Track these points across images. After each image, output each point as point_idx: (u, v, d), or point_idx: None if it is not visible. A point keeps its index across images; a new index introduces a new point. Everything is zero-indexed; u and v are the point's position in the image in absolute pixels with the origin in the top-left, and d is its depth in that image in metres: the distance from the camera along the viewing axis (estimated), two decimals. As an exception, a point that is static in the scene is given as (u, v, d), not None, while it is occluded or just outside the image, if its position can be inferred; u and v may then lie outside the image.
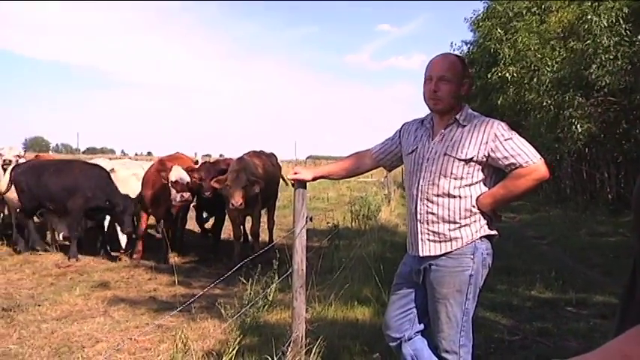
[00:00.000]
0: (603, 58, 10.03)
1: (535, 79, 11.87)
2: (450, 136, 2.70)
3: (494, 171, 2.68)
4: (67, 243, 8.85)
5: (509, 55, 12.32)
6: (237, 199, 7.10)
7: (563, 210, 14.18)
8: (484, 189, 2.66)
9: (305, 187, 3.44)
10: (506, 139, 2.58)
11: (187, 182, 7.68)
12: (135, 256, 8.15)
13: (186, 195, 7.60)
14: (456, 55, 2.85)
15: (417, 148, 2.80)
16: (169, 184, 7.68)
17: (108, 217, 8.70)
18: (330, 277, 5.92)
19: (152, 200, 8.09)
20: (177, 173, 7.72)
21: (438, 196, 2.67)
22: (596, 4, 10.45)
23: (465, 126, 2.68)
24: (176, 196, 7.60)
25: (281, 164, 10.21)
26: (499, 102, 14.07)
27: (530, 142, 2.64)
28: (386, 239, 8.42)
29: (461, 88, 2.73)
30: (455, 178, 2.64)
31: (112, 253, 8.41)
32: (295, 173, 3.34)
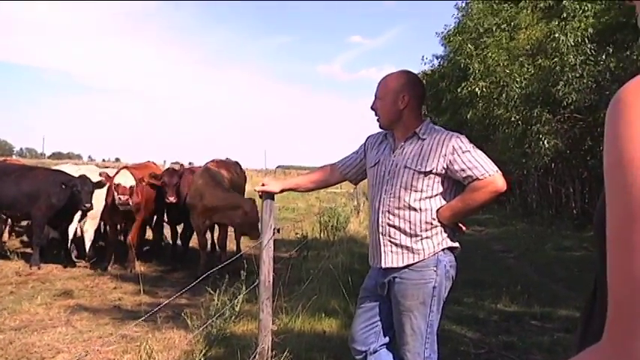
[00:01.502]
0: (570, 76, 10.27)
1: (504, 95, 12.07)
2: (410, 149, 2.73)
3: (454, 183, 2.69)
4: (28, 250, 8.66)
5: (478, 70, 12.51)
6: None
7: (529, 224, 14.40)
8: (444, 202, 2.69)
9: (273, 199, 3.42)
10: (463, 152, 2.61)
11: (131, 186, 7.71)
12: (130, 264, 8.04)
13: (124, 198, 7.56)
14: (400, 72, 2.86)
15: (379, 161, 2.84)
16: (113, 187, 7.70)
17: (72, 225, 8.55)
18: (298, 289, 5.89)
19: (111, 206, 8.00)
20: (121, 177, 7.82)
21: (399, 208, 2.69)
22: (563, 23, 10.69)
23: (424, 139, 2.71)
24: (117, 198, 7.61)
25: (248, 173, 10.17)
26: (468, 116, 14.25)
27: (498, 157, 2.67)
28: (354, 251, 8.42)
29: (397, 103, 2.75)
30: (415, 191, 2.66)
31: (77, 262, 8.28)
32: (263, 185, 3.32)
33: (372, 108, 2.85)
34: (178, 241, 9.20)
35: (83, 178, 7.85)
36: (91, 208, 7.87)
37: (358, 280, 5.34)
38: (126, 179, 7.74)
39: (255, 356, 3.45)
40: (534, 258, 9.57)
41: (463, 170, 2.59)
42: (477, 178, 2.57)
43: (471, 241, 11.23)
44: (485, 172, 2.57)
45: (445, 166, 2.62)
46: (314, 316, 5.10)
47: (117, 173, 8.08)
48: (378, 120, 2.85)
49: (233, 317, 4.89)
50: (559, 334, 5.10)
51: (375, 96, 2.83)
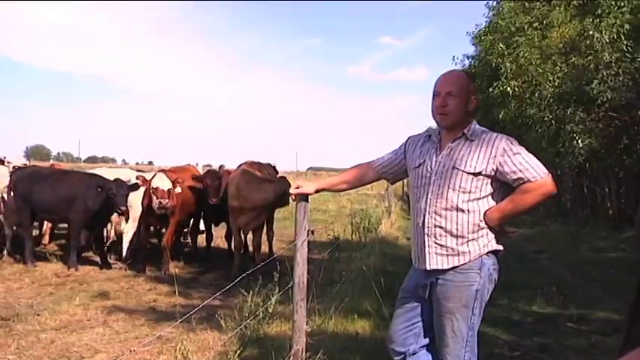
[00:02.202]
0: (604, 74, 10.08)
1: (536, 94, 11.90)
2: (458, 149, 2.72)
3: (502, 185, 2.69)
4: (66, 253, 8.86)
5: (510, 70, 12.35)
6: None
7: (563, 225, 14.14)
8: (492, 203, 2.68)
9: (307, 200, 3.44)
10: (514, 154, 2.61)
11: (169, 190, 7.76)
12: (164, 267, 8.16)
13: (165, 202, 7.64)
14: (464, 71, 2.88)
15: (424, 161, 2.81)
16: (150, 191, 7.77)
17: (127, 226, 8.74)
18: (331, 290, 5.91)
19: (147, 209, 8.15)
20: (159, 180, 7.86)
21: (446, 209, 2.68)
22: (598, 20, 10.51)
23: (472, 140, 2.70)
24: (156, 202, 7.67)
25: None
26: (500, 116, 14.07)
27: (532, 157, 2.66)
28: (386, 252, 8.41)
29: (468, 104, 2.75)
30: (463, 192, 2.65)
31: (113, 264, 8.46)
32: (297, 187, 3.34)
33: (442, 105, 2.72)
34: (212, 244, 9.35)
35: (118, 181, 8.01)
36: (127, 210, 8.02)
37: (391, 282, 5.34)
38: (163, 182, 7.83)
39: (289, 357, 3.48)
40: (569, 259, 9.41)
41: (514, 172, 2.59)
42: (529, 181, 2.57)
43: (504, 242, 11.08)
44: (537, 174, 2.57)
45: (495, 168, 2.62)
46: (347, 318, 5.12)
47: (154, 177, 8.19)
48: (443, 118, 2.75)
49: (267, 318, 4.92)
50: (596, 337, 5.02)
51: (447, 92, 2.72)
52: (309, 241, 3.55)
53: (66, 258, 8.44)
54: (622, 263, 8.51)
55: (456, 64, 19.80)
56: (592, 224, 13.46)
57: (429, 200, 2.72)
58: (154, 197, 7.73)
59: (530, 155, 2.64)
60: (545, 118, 11.93)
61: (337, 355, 4.09)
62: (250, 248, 8.68)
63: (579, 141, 10.88)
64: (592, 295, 6.63)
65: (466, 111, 2.74)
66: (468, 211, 2.65)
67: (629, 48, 10.00)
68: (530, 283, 7.05)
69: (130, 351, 4.67)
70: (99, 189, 7.95)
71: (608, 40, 10.03)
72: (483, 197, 2.67)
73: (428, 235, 2.72)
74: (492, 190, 2.68)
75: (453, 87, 2.73)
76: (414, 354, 2.86)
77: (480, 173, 2.63)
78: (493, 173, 2.63)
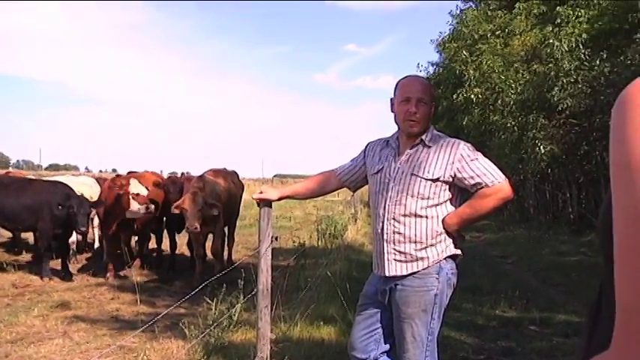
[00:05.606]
0: (564, 82, 10.30)
1: (499, 101, 12.11)
2: (417, 156, 2.72)
3: (460, 191, 2.71)
4: (23, 262, 8.63)
5: (474, 77, 12.54)
6: (192, 223, 7.02)
7: (526, 229, 14.38)
8: (450, 209, 2.69)
9: (270, 206, 3.41)
10: (472, 160, 2.63)
11: (146, 195, 7.67)
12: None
13: (151, 207, 7.54)
14: (426, 79, 2.92)
15: (382, 167, 2.81)
16: (130, 196, 7.64)
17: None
18: (296, 297, 5.87)
19: (105, 216, 8.01)
20: (134, 187, 7.81)
21: (404, 216, 2.67)
22: (557, 29, 10.75)
23: (430, 147, 2.71)
24: (140, 208, 7.53)
25: (245, 182, 10.20)
26: (464, 123, 14.29)
27: (494, 163, 2.68)
28: (352, 258, 8.41)
29: (431, 110, 2.78)
30: (422, 198, 2.66)
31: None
32: (261, 192, 3.31)
33: (414, 112, 2.69)
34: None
35: (80, 198, 7.80)
36: (87, 231, 7.90)
37: (356, 288, 5.32)
38: (140, 188, 7.75)
39: (253, 365, 3.44)
40: (532, 263, 9.56)
41: (472, 178, 2.60)
42: (487, 185, 2.59)
43: (468, 247, 11.12)
44: (495, 179, 2.60)
45: (453, 174, 2.63)
46: (312, 324, 5.08)
47: (106, 185, 8.07)
48: (412, 125, 2.71)
49: (231, 326, 4.86)
50: (558, 339, 5.09)
51: (419, 99, 2.69)
52: (274, 248, 3.52)
53: (24, 268, 8.22)
54: (583, 267, 8.67)
55: (420, 72, 20.08)
56: (554, 229, 13.72)
57: (387, 207, 2.72)
58: (135, 203, 7.60)
59: (487, 160, 2.67)
60: (508, 125, 12.14)
61: (302, 363, 4.06)
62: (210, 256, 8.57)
63: (541, 147, 11.08)
64: (554, 299, 6.73)
65: (430, 117, 2.78)
66: (427, 217, 2.66)
67: (587, 57, 10.24)
68: (494, 288, 7.12)
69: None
70: (59, 207, 7.72)
71: (567, 49, 10.26)
72: (442, 203, 2.68)
73: (387, 241, 2.72)
74: (450, 196, 2.69)
75: (424, 94, 2.72)
76: None
77: (438, 179, 2.64)
78: (451, 179, 2.64)
